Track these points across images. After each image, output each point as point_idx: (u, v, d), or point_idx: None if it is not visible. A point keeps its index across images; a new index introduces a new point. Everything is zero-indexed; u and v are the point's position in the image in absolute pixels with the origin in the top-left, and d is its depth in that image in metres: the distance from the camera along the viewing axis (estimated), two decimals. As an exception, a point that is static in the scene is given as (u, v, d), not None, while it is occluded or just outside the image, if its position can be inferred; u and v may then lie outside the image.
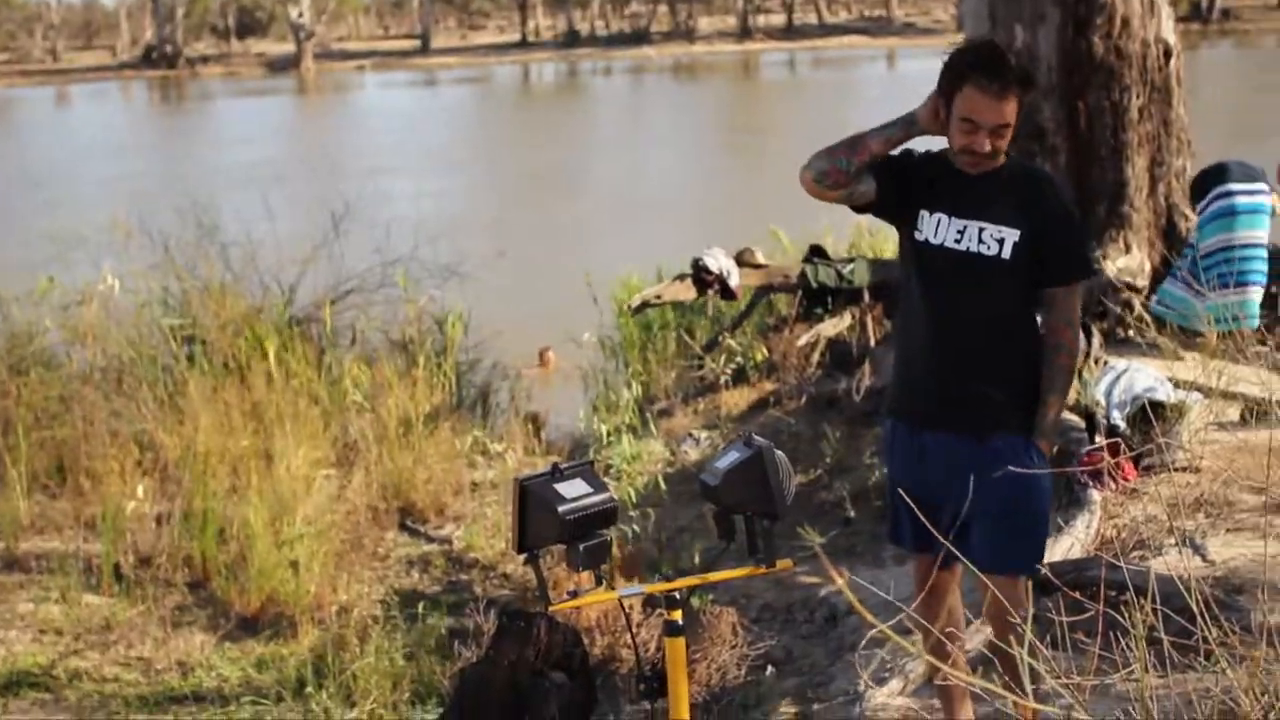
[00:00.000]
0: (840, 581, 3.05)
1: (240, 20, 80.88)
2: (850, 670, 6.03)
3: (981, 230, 4.49)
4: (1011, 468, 4.22)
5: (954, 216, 4.52)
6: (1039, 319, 4.68)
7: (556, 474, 3.85)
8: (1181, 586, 2.73)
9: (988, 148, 4.43)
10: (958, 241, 4.51)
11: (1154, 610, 2.80)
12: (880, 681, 5.66)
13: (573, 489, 3.83)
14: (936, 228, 4.54)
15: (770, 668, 6.65)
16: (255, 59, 73.23)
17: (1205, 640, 2.70)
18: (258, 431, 10.21)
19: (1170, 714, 2.69)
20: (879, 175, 4.59)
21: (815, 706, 6.05)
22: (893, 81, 50.95)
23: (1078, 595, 3.28)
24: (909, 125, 4.54)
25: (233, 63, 72.54)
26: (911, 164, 4.63)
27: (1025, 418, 4.52)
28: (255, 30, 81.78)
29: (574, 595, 3.96)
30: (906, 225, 4.64)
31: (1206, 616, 2.70)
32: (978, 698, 4.72)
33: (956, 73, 4.44)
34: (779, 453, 3.89)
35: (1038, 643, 2.83)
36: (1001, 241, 4.47)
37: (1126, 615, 2.83)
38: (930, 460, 4.57)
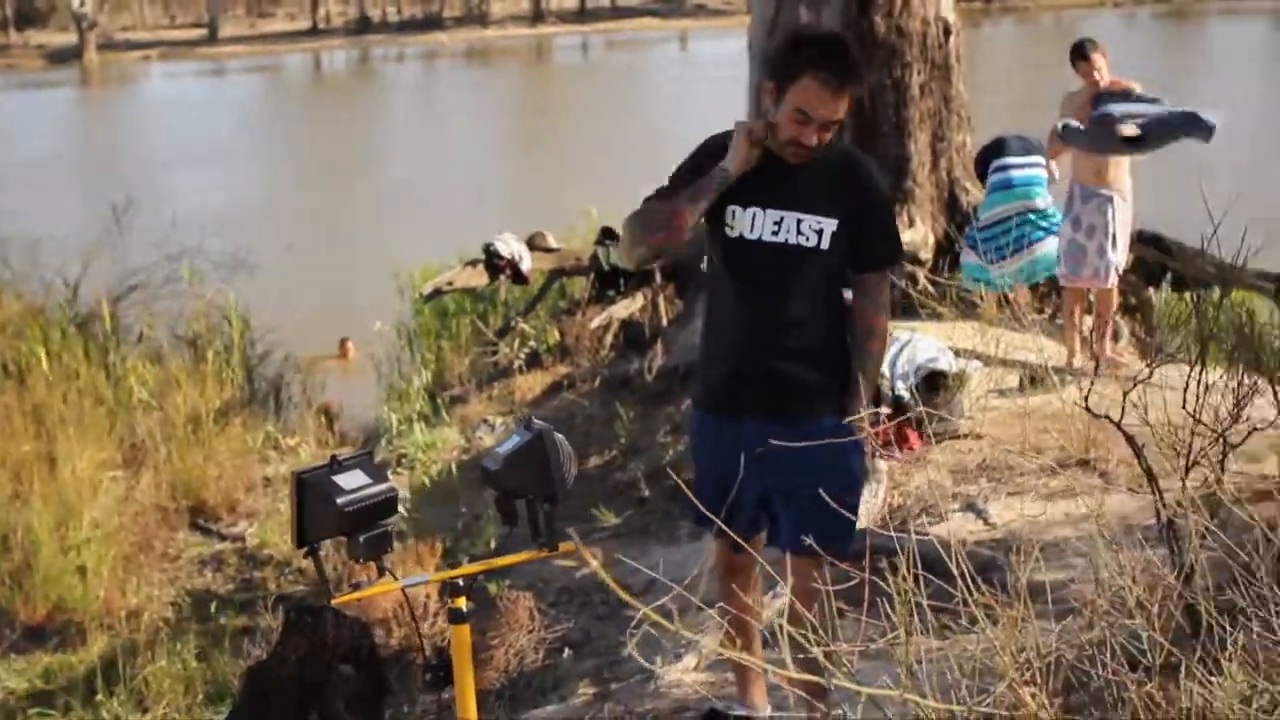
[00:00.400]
0: (594, 564, 3.03)
1: (19, 10, 78.30)
2: (645, 648, 6.05)
3: (800, 221, 4.39)
4: (826, 451, 4.17)
5: (770, 208, 4.41)
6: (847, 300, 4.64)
7: (335, 466, 3.78)
8: (943, 551, 2.78)
9: (815, 141, 4.33)
10: (775, 234, 4.41)
11: (916, 576, 2.85)
12: (676, 658, 5.70)
13: (351, 480, 3.76)
14: (752, 222, 4.42)
15: (568, 650, 6.65)
16: (35, 50, 70.91)
17: (966, 603, 2.75)
18: (40, 435, 9.93)
19: (934, 676, 2.74)
20: None
21: (613, 686, 6.06)
22: (685, 63, 51.31)
23: (846, 566, 3.33)
24: (723, 183, 4.38)
25: (11, 54, 70.12)
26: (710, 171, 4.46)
27: (839, 400, 4.45)
28: (35, 21, 79.22)
29: (356, 587, 3.90)
30: (715, 223, 4.49)
31: (968, 579, 2.76)
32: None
33: (797, 62, 4.30)
34: (559, 435, 3.87)
35: (807, 613, 2.85)
36: (820, 232, 4.39)
37: (892, 583, 2.87)
38: (745, 447, 4.39)
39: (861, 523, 6.40)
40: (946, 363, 7.59)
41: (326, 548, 3.90)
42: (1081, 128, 8.71)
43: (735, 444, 4.45)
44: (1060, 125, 8.83)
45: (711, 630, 5.35)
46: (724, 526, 3.95)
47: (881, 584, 2.84)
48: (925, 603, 2.74)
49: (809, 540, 4.08)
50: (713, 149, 4.51)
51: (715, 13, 70.03)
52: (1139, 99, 8.75)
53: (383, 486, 3.78)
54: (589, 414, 9.69)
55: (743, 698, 4.95)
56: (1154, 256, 10.48)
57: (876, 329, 4.56)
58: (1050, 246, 9.27)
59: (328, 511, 3.67)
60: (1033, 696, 2.45)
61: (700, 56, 49.91)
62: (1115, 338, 9.22)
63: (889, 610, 3.01)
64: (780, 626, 2.85)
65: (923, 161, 10.56)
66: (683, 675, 5.64)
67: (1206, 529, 3.37)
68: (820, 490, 4.21)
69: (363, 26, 74.13)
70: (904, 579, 2.73)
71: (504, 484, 3.86)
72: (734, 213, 4.43)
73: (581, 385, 10.26)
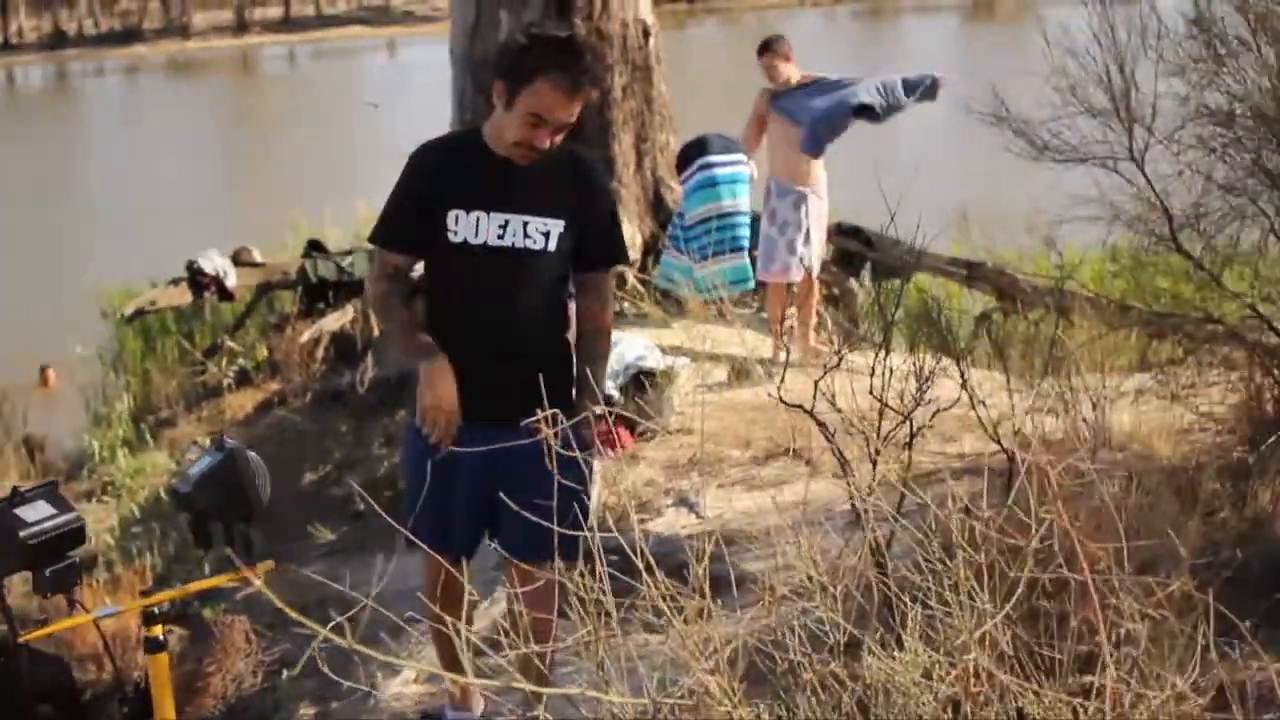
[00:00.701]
0: (258, 583, 2.98)
1: None
2: (366, 664, 5.98)
3: (526, 224, 4.34)
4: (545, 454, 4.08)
5: (494, 211, 4.33)
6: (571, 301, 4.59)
7: (16, 498, 3.66)
8: (628, 549, 2.81)
9: (548, 144, 4.27)
10: (500, 237, 4.34)
11: (611, 574, 2.88)
12: (395, 672, 5.65)
13: (34, 512, 3.65)
14: (476, 227, 4.34)
15: (286, 671, 6.53)
16: None
17: (659, 597, 2.78)
18: None
19: (639, 673, 2.77)
20: (407, 238, 4.43)
21: (334, 705, 5.98)
22: (394, 70, 50.95)
23: (531, 567, 3.33)
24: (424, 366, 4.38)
25: None
26: (427, 184, 4.39)
27: (567, 403, 4.36)
28: None
29: (45, 623, 3.78)
30: (436, 229, 4.38)
31: (650, 573, 2.79)
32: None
33: (530, 64, 4.22)
34: (252, 453, 3.82)
35: (501, 621, 2.85)
36: (547, 234, 4.35)
37: (580, 582, 2.89)
38: (468, 457, 4.21)
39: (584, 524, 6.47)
40: (654, 360, 7.68)
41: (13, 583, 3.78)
42: (822, 130, 8.94)
43: (460, 458, 4.30)
44: (803, 143, 8.99)
45: (427, 641, 5.33)
46: (416, 541, 3.91)
47: (570, 584, 2.85)
48: (614, 600, 2.77)
49: (530, 546, 4.00)
50: (422, 164, 4.45)
51: (423, 19, 69.74)
52: (827, 85, 9.04)
53: (68, 517, 3.68)
54: (302, 430, 9.54)
55: (459, 703, 4.95)
56: (855, 247, 10.81)
57: (603, 328, 4.57)
58: (746, 258, 9.53)
59: (9, 546, 3.57)
60: (718, 685, 2.49)
61: (409, 63, 49.64)
62: (820, 328, 9.47)
63: (608, 610, 3.02)
64: (500, 632, 2.86)
65: (627, 162, 10.67)
66: (402, 689, 5.61)
67: (896, 509, 3.49)
68: (540, 494, 4.14)
69: (58, 41, 71.67)
70: (584, 577, 2.75)
71: (197, 506, 3.80)
72: (457, 217, 4.35)
73: (293, 401, 10.09)
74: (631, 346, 7.71)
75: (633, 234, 10.56)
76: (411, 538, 3.93)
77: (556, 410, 3.67)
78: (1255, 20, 6.15)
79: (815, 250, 9.05)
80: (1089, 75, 6.42)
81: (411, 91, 31.97)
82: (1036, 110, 6.78)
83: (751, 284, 9.65)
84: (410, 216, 4.42)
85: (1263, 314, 6.41)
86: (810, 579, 2.73)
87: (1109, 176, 6.53)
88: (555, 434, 3.13)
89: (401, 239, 4.46)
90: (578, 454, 3.52)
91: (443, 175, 4.39)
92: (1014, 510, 2.85)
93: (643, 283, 10.01)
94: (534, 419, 3.24)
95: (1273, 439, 5.98)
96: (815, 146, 8.95)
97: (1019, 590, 2.58)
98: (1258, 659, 4.08)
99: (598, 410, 4.40)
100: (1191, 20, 6.35)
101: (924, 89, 9.02)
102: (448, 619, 4.32)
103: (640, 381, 7.45)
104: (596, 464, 6.96)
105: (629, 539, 3.24)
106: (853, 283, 10.64)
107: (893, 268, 10.32)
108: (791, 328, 9.07)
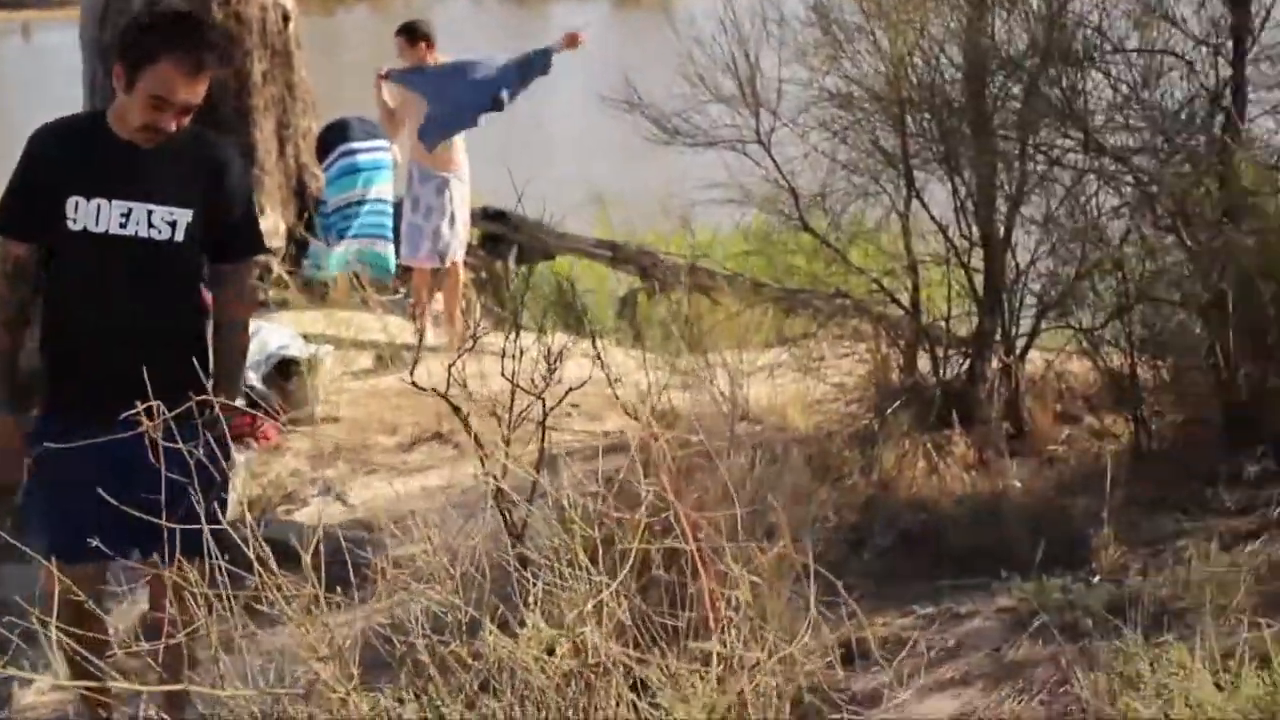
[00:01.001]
0: None
1: None
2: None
3: (151, 213, 4.13)
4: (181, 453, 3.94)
5: (116, 199, 4.12)
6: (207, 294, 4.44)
7: None
8: (240, 542, 2.77)
9: (174, 127, 4.08)
10: (123, 226, 4.13)
11: (215, 567, 2.84)
12: (29, 681, 5.45)
13: None
14: (97, 215, 4.11)
15: (-87, 686, 6.23)
16: None
17: (261, 590, 2.75)
18: None
19: (260, 668, 2.74)
20: (27, 226, 4.18)
21: (-33, 717, 5.73)
22: (29, 54, 48.77)
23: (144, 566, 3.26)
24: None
25: None
26: (46, 169, 4.17)
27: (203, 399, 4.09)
28: None
29: None
30: (54, 216, 4.14)
31: (265, 565, 2.76)
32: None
33: (150, 44, 4.04)
34: None
35: (113, 625, 2.78)
36: (173, 224, 4.15)
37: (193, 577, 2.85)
38: (103, 459, 3.98)
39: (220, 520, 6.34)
40: (298, 349, 7.58)
41: None
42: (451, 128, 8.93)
43: (93, 454, 4.02)
44: (422, 136, 8.94)
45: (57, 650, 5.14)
46: (27, 550, 3.75)
47: (178, 579, 2.80)
48: (237, 593, 2.73)
49: (157, 544, 3.65)
50: (41, 148, 4.22)
51: (59, 3, 66.80)
52: (463, 66, 9.07)
53: None
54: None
55: (99, 712, 4.79)
56: (500, 230, 10.86)
57: (240, 321, 4.42)
58: (389, 246, 9.51)
59: None
60: (331, 674, 2.49)
61: (45, 47, 47.54)
62: (466, 312, 9.49)
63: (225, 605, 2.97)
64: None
65: (269, 149, 10.46)
66: (37, 698, 5.40)
67: (532, 490, 3.54)
68: (173, 490, 3.75)
69: None
70: (187, 570, 2.72)
71: None
72: (77, 204, 4.13)
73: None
74: (274, 335, 7.59)
75: (276, 222, 10.38)
76: (18, 545, 3.74)
77: (160, 402, 3.56)
78: (870, 7, 6.43)
79: (459, 234, 9.05)
80: (716, 63, 6.61)
81: (50, 76, 30.65)
82: (673, 96, 6.94)
83: (392, 271, 9.63)
84: (30, 203, 4.19)
85: (886, 288, 6.73)
86: (429, 563, 2.75)
87: (739, 159, 6.73)
88: (159, 426, 3.02)
89: (21, 227, 4.25)
90: (211, 448, 3.43)
91: (62, 160, 4.18)
92: (632, 484, 2.92)
93: (287, 271, 9.85)
94: (134, 411, 3.11)
95: (895, 404, 6.30)
96: (431, 140, 8.95)
97: (632, 562, 2.64)
98: (879, 617, 4.31)
99: (237, 403, 4.31)
100: (811, 7, 6.60)
101: (539, 63, 9.09)
102: (72, 629, 4.24)
103: (284, 370, 7.33)
104: (239, 457, 6.87)
105: (267, 531, 3.21)
106: (500, 266, 10.69)
107: (538, 250, 10.42)
108: (438, 313, 9.07)
